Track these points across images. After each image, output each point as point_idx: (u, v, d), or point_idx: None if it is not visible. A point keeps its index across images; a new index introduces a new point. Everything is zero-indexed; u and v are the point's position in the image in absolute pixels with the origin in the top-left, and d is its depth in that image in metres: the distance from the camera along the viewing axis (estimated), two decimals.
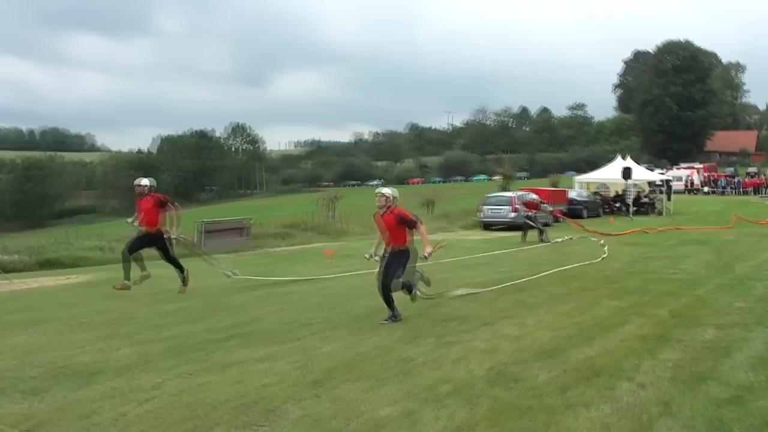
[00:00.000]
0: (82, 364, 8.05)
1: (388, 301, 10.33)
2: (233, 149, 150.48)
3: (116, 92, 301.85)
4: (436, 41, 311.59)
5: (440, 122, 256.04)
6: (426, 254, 10.30)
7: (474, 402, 6.30)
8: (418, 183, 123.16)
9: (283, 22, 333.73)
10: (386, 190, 10.75)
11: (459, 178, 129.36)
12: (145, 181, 14.05)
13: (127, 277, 13.62)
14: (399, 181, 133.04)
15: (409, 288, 10.72)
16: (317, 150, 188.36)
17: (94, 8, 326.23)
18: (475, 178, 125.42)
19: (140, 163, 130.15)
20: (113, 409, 6.34)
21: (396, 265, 10.32)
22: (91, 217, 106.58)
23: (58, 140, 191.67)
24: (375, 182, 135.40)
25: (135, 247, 13.76)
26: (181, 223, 14.53)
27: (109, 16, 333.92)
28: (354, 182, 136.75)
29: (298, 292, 14.44)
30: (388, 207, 10.43)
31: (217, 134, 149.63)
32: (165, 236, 13.80)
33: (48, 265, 21.61)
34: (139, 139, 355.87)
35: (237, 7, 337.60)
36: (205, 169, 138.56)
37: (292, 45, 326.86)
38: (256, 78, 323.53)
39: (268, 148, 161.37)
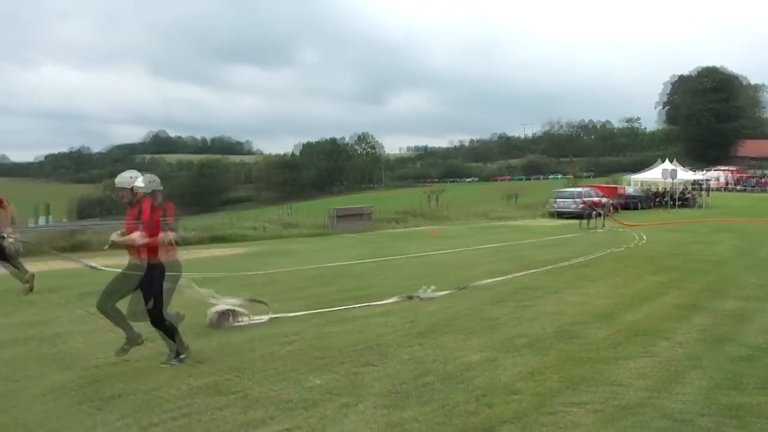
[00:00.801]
0: None
1: (170, 333, 6.09)
2: (358, 153, 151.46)
3: (267, 110, 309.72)
4: (515, 66, 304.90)
5: (517, 132, 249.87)
6: (113, 239, 5.89)
7: (544, 353, 6.32)
8: (505, 180, 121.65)
9: (395, 53, 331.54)
10: (137, 183, 5.95)
11: (538, 176, 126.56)
12: None
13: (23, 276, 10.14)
14: (490, 178, 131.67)
15: (171, 330, 6.11)
16: (425, 153, 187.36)
17: (252, 46, 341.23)
18: (551, 176, 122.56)
19: (286, 163, 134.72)
20: (263, 348, 6.61)
21: (149, 288, 5.81)
22: (249, 205, 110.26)
23: (224, 146, 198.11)
24: (470, 179, 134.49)
25: None
26: (9, 224, 10.01)
27: (262, 52, 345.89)
28: (454, 179, 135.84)
29: (405, 264, 14.48)
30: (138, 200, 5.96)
31: (346, 141, 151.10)
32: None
33: (216, 240, 22.32)
34: (285, 145, 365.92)
35: (359, 42, 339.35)
36: (337, 168, 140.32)
37: (403, 71, 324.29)
38: (374, 97, 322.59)
39: (385, 152, 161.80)
